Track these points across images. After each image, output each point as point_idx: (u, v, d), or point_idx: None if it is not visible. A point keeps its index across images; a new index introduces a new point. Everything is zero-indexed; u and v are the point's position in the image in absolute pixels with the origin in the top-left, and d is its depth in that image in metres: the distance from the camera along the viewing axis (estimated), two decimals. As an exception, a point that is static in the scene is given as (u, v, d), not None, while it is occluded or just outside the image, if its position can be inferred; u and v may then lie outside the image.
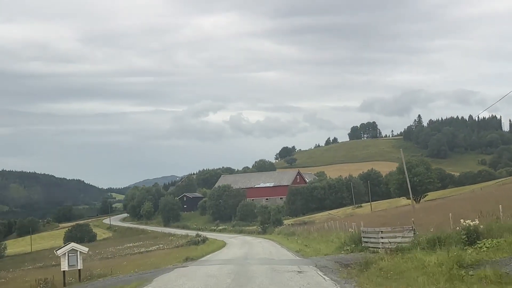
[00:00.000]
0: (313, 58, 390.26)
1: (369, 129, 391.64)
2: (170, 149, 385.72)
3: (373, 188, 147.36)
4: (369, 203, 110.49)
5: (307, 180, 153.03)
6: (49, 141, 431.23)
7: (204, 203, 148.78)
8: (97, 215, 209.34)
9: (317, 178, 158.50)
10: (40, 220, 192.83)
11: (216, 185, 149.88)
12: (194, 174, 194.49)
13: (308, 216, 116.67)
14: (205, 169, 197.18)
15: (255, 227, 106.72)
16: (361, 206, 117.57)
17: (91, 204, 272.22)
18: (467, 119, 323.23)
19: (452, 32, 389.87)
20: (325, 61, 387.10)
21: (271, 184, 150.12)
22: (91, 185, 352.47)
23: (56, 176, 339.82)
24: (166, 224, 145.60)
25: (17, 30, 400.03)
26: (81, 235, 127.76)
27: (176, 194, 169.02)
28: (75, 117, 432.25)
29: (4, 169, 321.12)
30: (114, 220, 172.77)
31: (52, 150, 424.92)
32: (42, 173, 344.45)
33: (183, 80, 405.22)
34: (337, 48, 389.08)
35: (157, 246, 79.96)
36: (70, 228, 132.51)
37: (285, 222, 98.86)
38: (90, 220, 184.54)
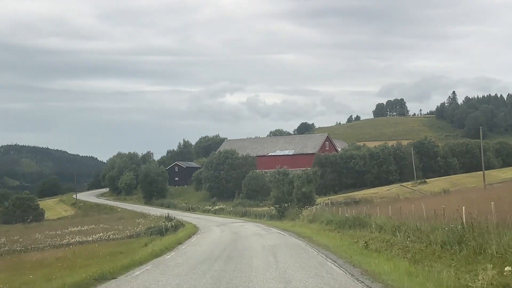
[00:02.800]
0: (333, 41, 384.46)
1: (396, 107, 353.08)
2: (186, 129, 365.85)
3: (428, 162, 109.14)
4: (446, 177, 71.73)
5: (339, 149, 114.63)
6: (65, 117, 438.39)
7: (199, 174, 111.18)
8: (88, 189, 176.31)
9: (349, 146, 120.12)
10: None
11: (217, 151, 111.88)
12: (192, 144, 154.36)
13: (345, 195, 79.07)
14: (207, 136, 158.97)
15: (266, 208, 69.50)
16: (425, 182, 79.39)
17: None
18: (505, 98, 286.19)
19: (475, 19, 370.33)
20: (345, 45, 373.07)
21: (291, 152, 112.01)
22: (105, 162, 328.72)
23: (69, 152, 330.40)
24: (147, 201, 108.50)
25: (36, 5, 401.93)
26: (24, 213, 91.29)
27: (167, 163, 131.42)
28: (92, 94, 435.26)
29: (17, 143, 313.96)
30: (89, 195, 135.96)
31: (67, 126, 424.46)
32: (55, 148, 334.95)
33: (201, 60, 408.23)
34: (357, 32, 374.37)
35: (100, 235, 56.14)
36: (9, 203, 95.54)
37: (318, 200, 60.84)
38: (65, 195, 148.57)
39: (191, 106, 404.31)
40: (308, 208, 47.99)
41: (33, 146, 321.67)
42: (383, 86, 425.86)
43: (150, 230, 50.41)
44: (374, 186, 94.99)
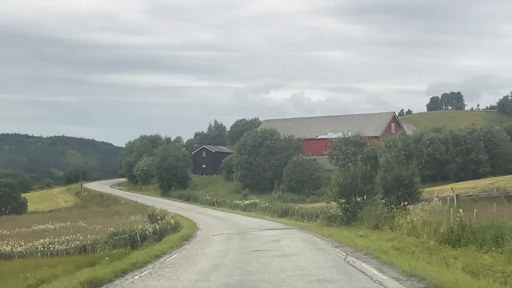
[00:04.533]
0: (379, 39, 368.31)
1: (453, 101, 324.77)
2: (230, 125, 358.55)
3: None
4: None
5: (407, 133, 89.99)
6: (111, 111, 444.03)
7: (230, 161, 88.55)
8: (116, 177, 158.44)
9: (424, 129, 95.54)
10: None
11: (253, 131, 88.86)
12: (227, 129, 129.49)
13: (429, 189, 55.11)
14: (244, 118, 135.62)
15: (318, 204, 46.44)
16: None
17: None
18: None
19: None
20: (391, 42, 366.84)
21: (347, 134, 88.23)
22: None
23: (114, 145, 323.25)
24: (165, 192, 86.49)
25: (87, 1, 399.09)
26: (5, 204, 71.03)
27: (192, 148, 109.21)
28: (137, 89, 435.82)
29: (64, 135, 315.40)
30: (102, 184, 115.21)
31: (113, 120, 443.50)
32: (101, 141, 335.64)
33: (245, 56, 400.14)
34: (404, 30, 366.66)
35: (46, 241, 37.16)
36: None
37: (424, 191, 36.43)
38: (74, 185, 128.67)
39: (234, 102, 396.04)
40: (414, 207, 24.53)
41: (79, 138, 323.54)
42: (430, 84, 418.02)
43: (116, 238, 28.08)
44: (457, 181, 70.57)
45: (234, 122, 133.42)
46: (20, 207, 73.24)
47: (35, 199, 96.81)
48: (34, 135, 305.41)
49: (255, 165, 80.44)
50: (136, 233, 28.67)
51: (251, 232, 31.62)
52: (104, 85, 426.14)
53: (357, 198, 31.45)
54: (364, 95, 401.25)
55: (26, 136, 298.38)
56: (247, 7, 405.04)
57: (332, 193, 35.66)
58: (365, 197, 31.20)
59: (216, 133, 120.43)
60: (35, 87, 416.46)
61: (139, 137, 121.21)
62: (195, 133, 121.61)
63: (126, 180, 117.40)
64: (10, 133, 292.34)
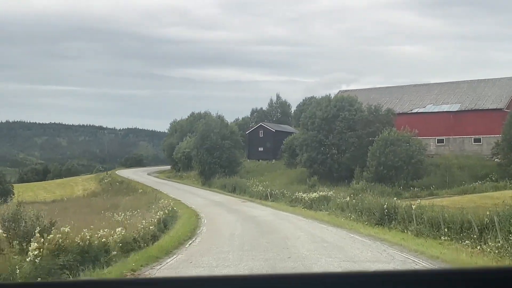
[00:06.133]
0: (456, 33, 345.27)
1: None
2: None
3: None
4: None
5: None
6: (183, 105, 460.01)
7: (293, 141, 66.33)
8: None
9: None
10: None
11: (325, 101, 65.91)
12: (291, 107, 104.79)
13: None
14: (313, 96, 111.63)
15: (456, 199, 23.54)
16: None
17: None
18: None
19: None
20: (469, 36, 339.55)
21: (454, 107, 64.42)
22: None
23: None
24: (206, 180, 65.25)
25: None
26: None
27: (247, 128, 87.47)
28: (209, 83, 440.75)
29: (137, 127, 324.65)
30: (140, 172, 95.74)
31: (184, 113, 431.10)
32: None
33: (317, 51, 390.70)
34: (482, 23, 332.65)
35: None
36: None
37: None
38: (118, 169, 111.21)
39: (305, 97, 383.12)
40: None
41: (151, 130, 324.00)
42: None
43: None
44: None
45: (302, 100, 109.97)
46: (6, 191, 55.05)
47: (52, 187, 78.75)
48: (108, 127, 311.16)
49: (327, 144, 57.83)
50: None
51: None
52: (177, 79, 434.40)
53: None
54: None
55: (100, 127, 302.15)
56: (320, 1, 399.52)
57: None
58: None
59: (279, 111, 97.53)
60: (110, 81, 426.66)
61: (190, 114, 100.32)
62: (252, 110, 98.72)
63: (170, 167, 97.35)
64: (85, 125, 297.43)
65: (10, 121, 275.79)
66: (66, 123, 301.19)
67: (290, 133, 77.50)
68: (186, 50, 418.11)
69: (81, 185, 77.23)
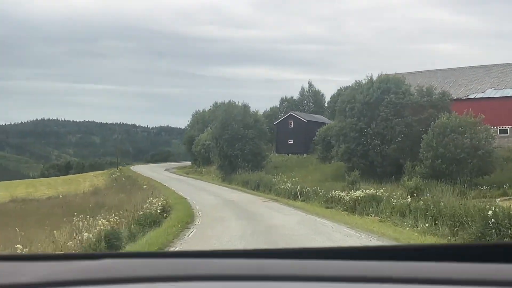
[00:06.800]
0: (495, 30, 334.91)
1: None
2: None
3: None
4: None
5: None
6: (216, 103, 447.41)
7: (326, 132, 56.89)
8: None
9: None
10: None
11: (366, 82, 56.11)
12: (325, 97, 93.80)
13: None
14: (349, 86, 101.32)
15: None
16: None
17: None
18: None
19: None
20: (508, 34, 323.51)
21: (522, 90, 54.21)
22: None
23: None
24: (226, 176, 56.17)
25: None
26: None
27: (275, 119, 78.11)
28: (242, 81, 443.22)
29: (169, 125, 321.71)
30: (159, 167, 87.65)
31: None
32: None
33: (351, 49, 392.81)
34: None
35: None
36: None
37: None
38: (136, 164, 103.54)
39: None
40: None
41: (184, 128, 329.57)
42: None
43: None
44: None
45: (337, 90, 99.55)
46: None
47: (57, 183, 71.26)
48: (141, 125, 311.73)
49: (369, 134, 48.18)
50: None
51: None
52: (210, 77, 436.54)
53: None
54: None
55: (133, 126, 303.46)
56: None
57: None
58: None
59: (311, 101, 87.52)
60: (144, 79, 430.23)
61: (213, 104, 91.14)
62: (281, 99, 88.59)
63: (191, 162, 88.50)
64: (119, 123, 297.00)
65: (45, 118, 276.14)
66: (100, 121, 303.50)
67: (324, 124, 67.78)
68: (219, 49, 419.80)
69: (89, 181, 69.40)
